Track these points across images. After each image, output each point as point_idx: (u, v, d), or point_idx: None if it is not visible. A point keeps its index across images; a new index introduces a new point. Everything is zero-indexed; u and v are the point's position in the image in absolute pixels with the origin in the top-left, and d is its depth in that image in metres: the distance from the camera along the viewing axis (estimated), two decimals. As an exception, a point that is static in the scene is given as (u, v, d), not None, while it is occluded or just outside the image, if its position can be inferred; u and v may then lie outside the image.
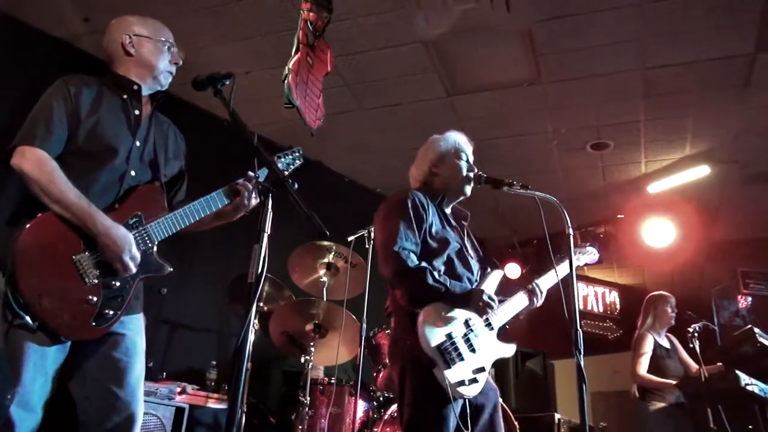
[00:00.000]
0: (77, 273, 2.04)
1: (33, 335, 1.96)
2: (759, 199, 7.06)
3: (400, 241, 2.55)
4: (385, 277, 2.62)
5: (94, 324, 2.06)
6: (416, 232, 2.64)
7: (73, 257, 2.05)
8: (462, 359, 2.45)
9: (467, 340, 2.52)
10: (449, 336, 2.46)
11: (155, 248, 2.25)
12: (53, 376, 2.04)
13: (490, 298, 2.62)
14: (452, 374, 2.40)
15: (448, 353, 2.41)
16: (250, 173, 2.36)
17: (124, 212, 2.19)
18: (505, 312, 2.73)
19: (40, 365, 2.00)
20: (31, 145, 2.08)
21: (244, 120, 2.05)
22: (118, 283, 2.13)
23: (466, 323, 2.56)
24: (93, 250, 2.08)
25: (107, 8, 4.63)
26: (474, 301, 2.59)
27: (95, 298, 2.06)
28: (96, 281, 2.07)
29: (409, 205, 2.68)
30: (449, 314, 2.52)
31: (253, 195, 2.38)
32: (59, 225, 2.05)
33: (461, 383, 2.42)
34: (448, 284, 2.56)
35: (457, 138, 2.98)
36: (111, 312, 2.10)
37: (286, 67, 3.80)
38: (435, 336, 2.43)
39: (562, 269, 2.84)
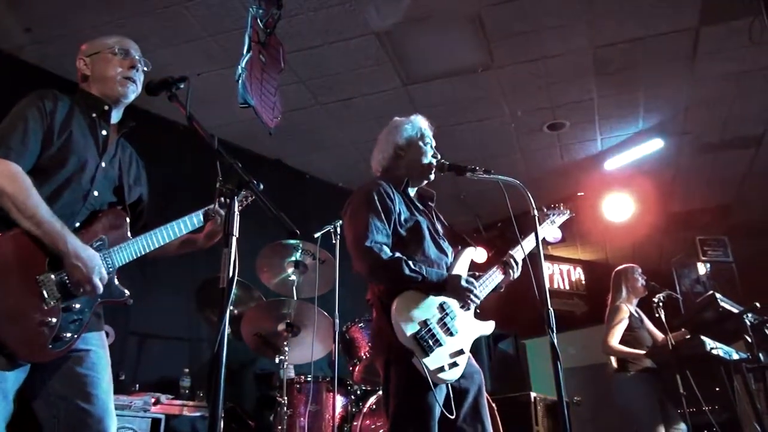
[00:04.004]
0: (39, 293, 1.99)
1: None
2: (711, 168, 7.26)
3: (371, 236, 2.53)
4: (361, 274, 2.60)
5: (50, 347, 2.00)
6: (386, 223, 2.62)
7: (38, 277, 2.00)
8: (440, 345, 2.45)
9: (443, 324, 2.51)
10: (425, 323, 2.45)
11: (115, 274, 2.24)
12: (14, 397, 1.98)
13: (468, 281, 2.62)
14: (431, 361, 2.40)
15: (424, 341, 2.40)
16: (220, 200, 2.37)
17: (89, 235, 2.17)
18: (483, 290, 2.71)
19: (0, 388, 1.94)
20: (6, 158, 2.03)
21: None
22: (78, 306, 2.09)
23: (441, 307, 2.56)
24: (57, 271, 2.04)
25: (49, 17, 4.52)
26: (452, 288, 2.58)
27: (54, 320, 2.01)
28: (56, 303, 2.03)
29: (376, 198, 2.65)
30: (423, 300, 2.52)
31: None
32: (25, 242, 2.00)
33: (441, 369, 2.42)
34: (424, 272, 2.54)
35: (421, 122, 2.97)
36: (68, 335, 2.05)
37: (239, 67, 3.76)
38: (410, 325, 2.42)
39: (528, 243, 2.88)
